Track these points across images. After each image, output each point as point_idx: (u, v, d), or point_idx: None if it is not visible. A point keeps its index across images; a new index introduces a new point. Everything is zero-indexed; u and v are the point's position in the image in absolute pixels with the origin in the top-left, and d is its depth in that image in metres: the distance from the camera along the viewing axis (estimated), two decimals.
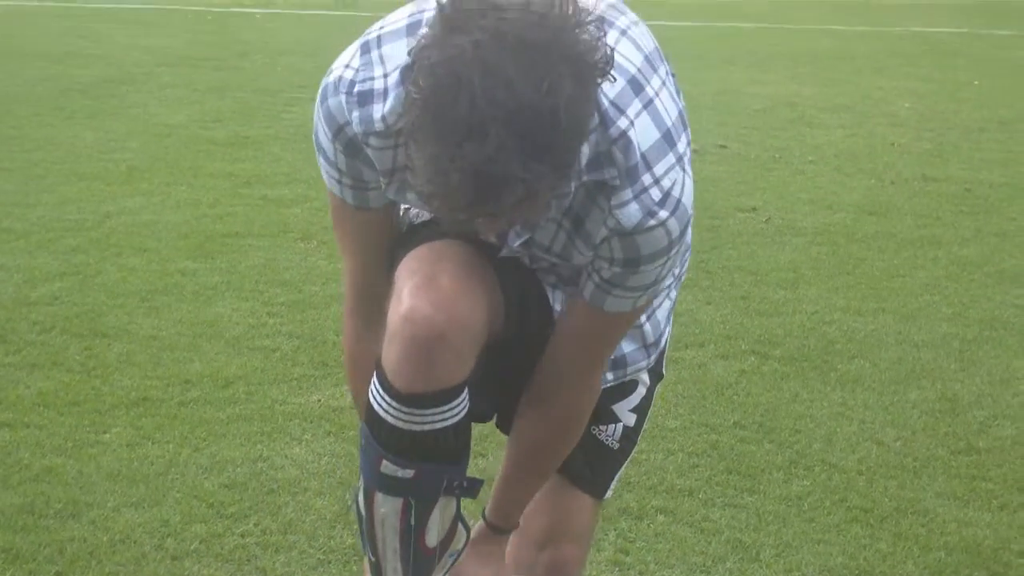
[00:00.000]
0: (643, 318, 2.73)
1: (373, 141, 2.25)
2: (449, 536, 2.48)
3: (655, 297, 2.49)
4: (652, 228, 2.23)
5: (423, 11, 2.22)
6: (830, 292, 6.10)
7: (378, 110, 2.22)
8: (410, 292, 2.32)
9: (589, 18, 1.99)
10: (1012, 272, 6.54)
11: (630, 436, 2.81)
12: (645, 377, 2.78)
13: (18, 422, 4.37)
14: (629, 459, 2.85)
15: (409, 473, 2.35)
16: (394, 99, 2.19)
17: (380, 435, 2.34)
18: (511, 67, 1.92)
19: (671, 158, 2.22)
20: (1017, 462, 4.48)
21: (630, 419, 2.80)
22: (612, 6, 2.26)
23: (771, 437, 4.57)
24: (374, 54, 2.23)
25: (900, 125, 9.75)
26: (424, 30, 2.05)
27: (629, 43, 2.23)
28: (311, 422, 4.48)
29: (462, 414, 2.35)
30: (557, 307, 2.59)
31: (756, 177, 8.00)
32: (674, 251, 2.29)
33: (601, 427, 2.79)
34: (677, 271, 2.65)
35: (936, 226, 7.25)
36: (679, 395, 4.81)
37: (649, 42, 2.29)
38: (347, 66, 2.25)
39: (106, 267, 5.91)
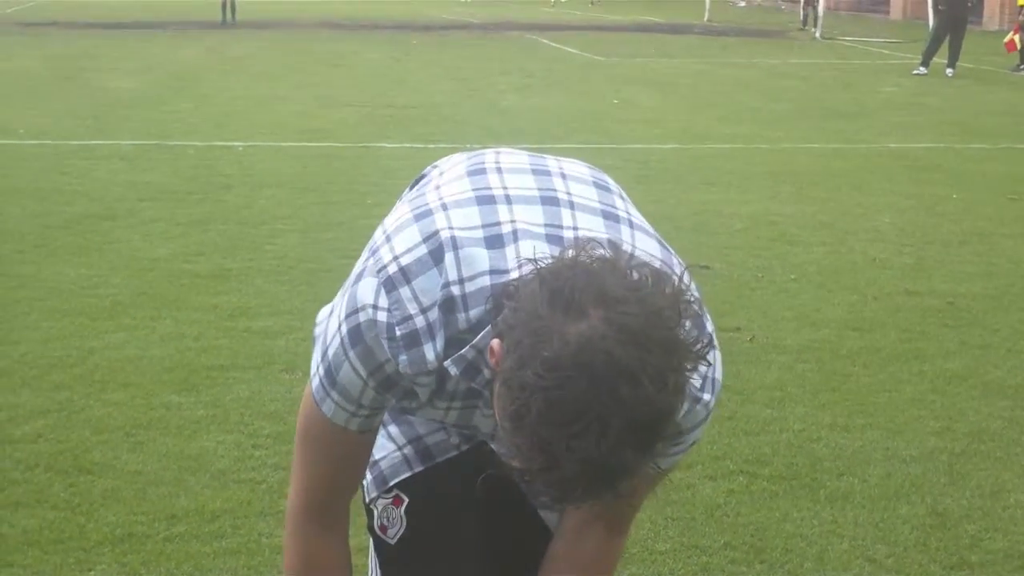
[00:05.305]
0: None
1: (423, 380, 2.21)
2: None
3: None
4: (695, 409, 2.25)
5: (436, 232, 2.17)
6: (816, 409, 6.09)
7: (429, 350, 2.16)
8: None
9: (689, 300, 1.98)
10: (997, 384, 6.54)
11: None
12: None
13: (2, 561, 4.33)
14: None
15: None
16: (445, 340, 2.14)
17: None
18: (636, 364, 1.88)
19: (704, 341, 2.23)
20: (1010, 575, 4.46)
21: None
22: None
23: (762, 557, 4.54)
24: (403, 292, 2.15)
25: (881, 240, 9.80)
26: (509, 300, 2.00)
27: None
28: None
29: None
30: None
31: (739, 296, 8.02)
32: (710, 416, 2.33)
33: None
34: None
35: (920, 340, 7.26)
36: (668, 517, 4.78)
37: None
38: (376, 307, 2.17)
39: (90, 403, 5.89)
